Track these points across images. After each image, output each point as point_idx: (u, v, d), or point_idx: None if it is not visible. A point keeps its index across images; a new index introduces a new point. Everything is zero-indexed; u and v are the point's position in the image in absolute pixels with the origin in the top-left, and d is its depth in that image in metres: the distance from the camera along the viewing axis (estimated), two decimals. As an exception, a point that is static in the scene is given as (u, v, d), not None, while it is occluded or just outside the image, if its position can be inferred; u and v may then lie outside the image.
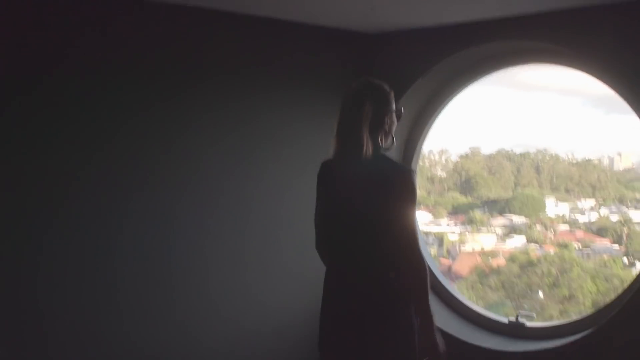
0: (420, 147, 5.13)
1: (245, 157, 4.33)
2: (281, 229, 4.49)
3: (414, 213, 2.80)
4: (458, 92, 4.83)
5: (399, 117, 2.95)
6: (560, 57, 4.28)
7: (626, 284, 4.74)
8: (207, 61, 4.05)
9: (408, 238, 2.74)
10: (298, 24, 4.37)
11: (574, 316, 27.37)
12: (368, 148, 2.81)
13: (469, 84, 4.81)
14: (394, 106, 2.92)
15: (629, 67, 3.86)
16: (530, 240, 46.51)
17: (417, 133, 5.00)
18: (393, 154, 4.48)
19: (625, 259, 42.71)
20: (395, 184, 2.78)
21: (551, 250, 38.75)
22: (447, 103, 4.98)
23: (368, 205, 2.79)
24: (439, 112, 5.00)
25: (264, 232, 4.36)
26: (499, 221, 36.99)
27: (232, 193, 4.25)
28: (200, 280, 4.07)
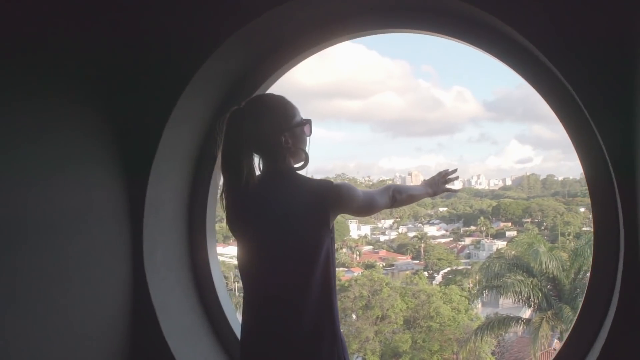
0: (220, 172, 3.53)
1: None
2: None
3: (360, 194, 2.62)
4: (271, 80, 3.30)
5: (307, 130, 2.61)
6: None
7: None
8: None
9: (368, 206, 2.69)
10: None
11: (388, 335, 28.25)
12: (251, 177, 2.50)
13: (283, 68, 3.30)
14: (295, 120, 2.56)
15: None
16: (338, 264, 48.54)
17: (211, 156, 3.29)
18: (173, 180, 3.15)
19: (425, 273, 45.72)
20: (316, 205, 2.49)
21: (359, 272, 40.32)
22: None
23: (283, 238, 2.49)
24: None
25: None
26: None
27: None
28: None
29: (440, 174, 3.03)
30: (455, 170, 3.02)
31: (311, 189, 2.50)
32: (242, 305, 2.64)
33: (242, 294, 2.70)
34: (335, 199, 2.49)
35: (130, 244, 3.00)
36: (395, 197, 2.78)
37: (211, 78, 3.04)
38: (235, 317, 3.29)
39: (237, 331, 3.24)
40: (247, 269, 2.58)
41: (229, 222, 2.59)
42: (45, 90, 2.70)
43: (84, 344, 2.81)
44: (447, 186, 3.01)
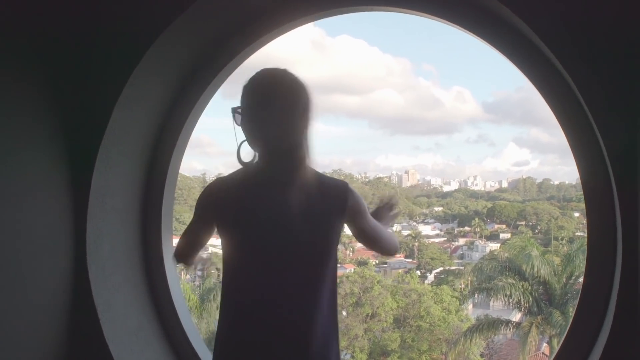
0: (179, 159, 3.07)
1: None
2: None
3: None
4: (242, 56, 2.94)
5: None
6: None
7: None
8: None
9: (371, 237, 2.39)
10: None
11: (377, 333, 28.22)
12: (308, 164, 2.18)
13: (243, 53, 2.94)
14: None
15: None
16: (330, 260, 48.06)
17: (168, 141, 2.96)
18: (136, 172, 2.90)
19: (418, 272, 45.59)
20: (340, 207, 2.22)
21: (351, 268, 40.04)
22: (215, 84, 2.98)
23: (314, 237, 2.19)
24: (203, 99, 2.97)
25: None
26: (299, 243, 37.47)
27: None
28: None
29: (382, 202, 2.65)
30: (393, 196, 2.70)
31: (329, 188, 2.22)
32: (220, 310, 2.30)
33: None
34: (354, 204, 2.25)
35: (72, 236, 2.69)
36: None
37: (170, 53, 2.73)
38: (191, 321, 3.00)
39: (192, 337, 2.94)
40: (244, 268, 2.21)
41: (231, 211, 2.18)
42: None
43: (14, 347, 2.51)
44: (392, 213, 2.67)
